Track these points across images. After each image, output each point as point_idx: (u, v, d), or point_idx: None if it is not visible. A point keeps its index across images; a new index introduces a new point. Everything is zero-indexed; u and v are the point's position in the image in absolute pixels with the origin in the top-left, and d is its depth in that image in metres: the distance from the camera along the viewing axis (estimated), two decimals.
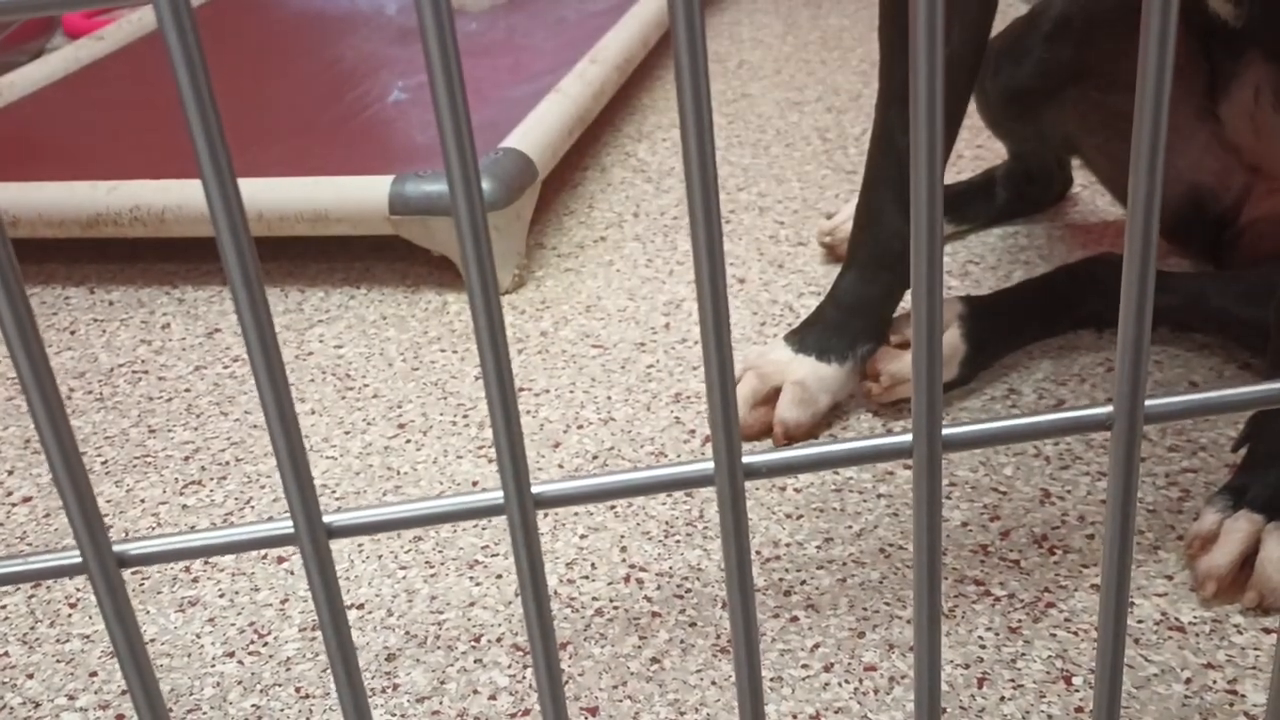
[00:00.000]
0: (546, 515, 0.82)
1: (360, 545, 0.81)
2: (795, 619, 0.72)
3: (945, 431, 0.31)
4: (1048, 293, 0.96)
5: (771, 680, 0.68)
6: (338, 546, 0.81)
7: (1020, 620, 0.70)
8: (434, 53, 0.27)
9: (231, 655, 0.73)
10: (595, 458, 0.88)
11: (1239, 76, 0.88)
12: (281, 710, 0.69)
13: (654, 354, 1.00)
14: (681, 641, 0.71)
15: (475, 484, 0.87)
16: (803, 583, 0.75)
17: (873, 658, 0.69)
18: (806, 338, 0.88)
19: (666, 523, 0.81)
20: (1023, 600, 0.71)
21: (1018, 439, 0.32)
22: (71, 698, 0.71)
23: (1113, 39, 0.95)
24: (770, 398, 0.87)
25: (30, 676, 0.73)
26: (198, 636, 0.75)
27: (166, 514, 0.87)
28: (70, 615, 0.78)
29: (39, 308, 1.19)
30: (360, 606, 0.76)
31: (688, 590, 0.75)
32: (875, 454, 0.32)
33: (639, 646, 0.71)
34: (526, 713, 0.67)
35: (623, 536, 0.80)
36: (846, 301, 0.89)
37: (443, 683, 0.70)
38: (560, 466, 0.88)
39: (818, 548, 0.77)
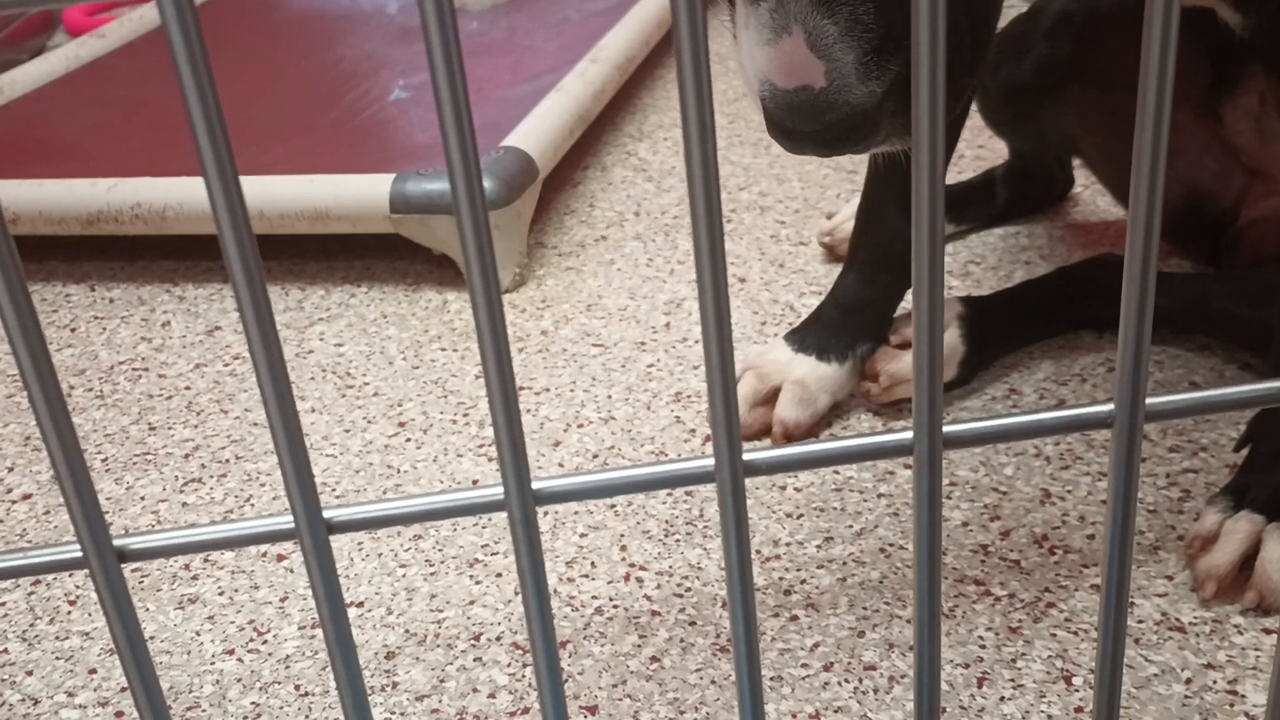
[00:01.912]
0: (546, 514, 0.82)
1: (360, 543, 0.81)
2: (795, 618, 0.72)
3: (945, 429, 0.31)
4: (1048, 293, 0.96)
5: (771, 679, 0.68)
6: (337, 544, 0.81)
7: (1020, 620, 0.70)
8: (436, 51, 0.27)
9: (231, 653, 0.73)
10: (595, 456, 0.88)
11: (1244, 80, 0.88)
12: (281, 708, 0.69)
13: (654, 353, 1.00)
14: (681, 640, 0.71)
15: (475, 482, 0.87)
16: (803, 582, 0.75)
17: (873, 657, 0.69)
18: (806, 337, 0.88)
19: (666, 521, 0.81)
20: (1023, 600, 0.71)
21: (1018, 437, 0.32)
22: (71, 694, 0.71)
23: (1114, 36, 0.95)
24: (770, 397, 0.87)
25: (30, 673, 0.73)
26: (197, 634, 0.75)
27: (166, 512, 0.87)
28: (70, 612, 0.78)
29: (39, 305, 1.19)
30: (360, 604, 0.76)
31: (687, 589, 0.75)
32: (876, 452, 0.32)
33: (639, 645, 0.71)
34: (526, 711, 0.67)
35: (623, 535, 0.80)
36: (847, 302, 0.89)
37: (442, 681, 0.70)
38: (560, 465, 0.88)
39: (818, 547, 0.77)
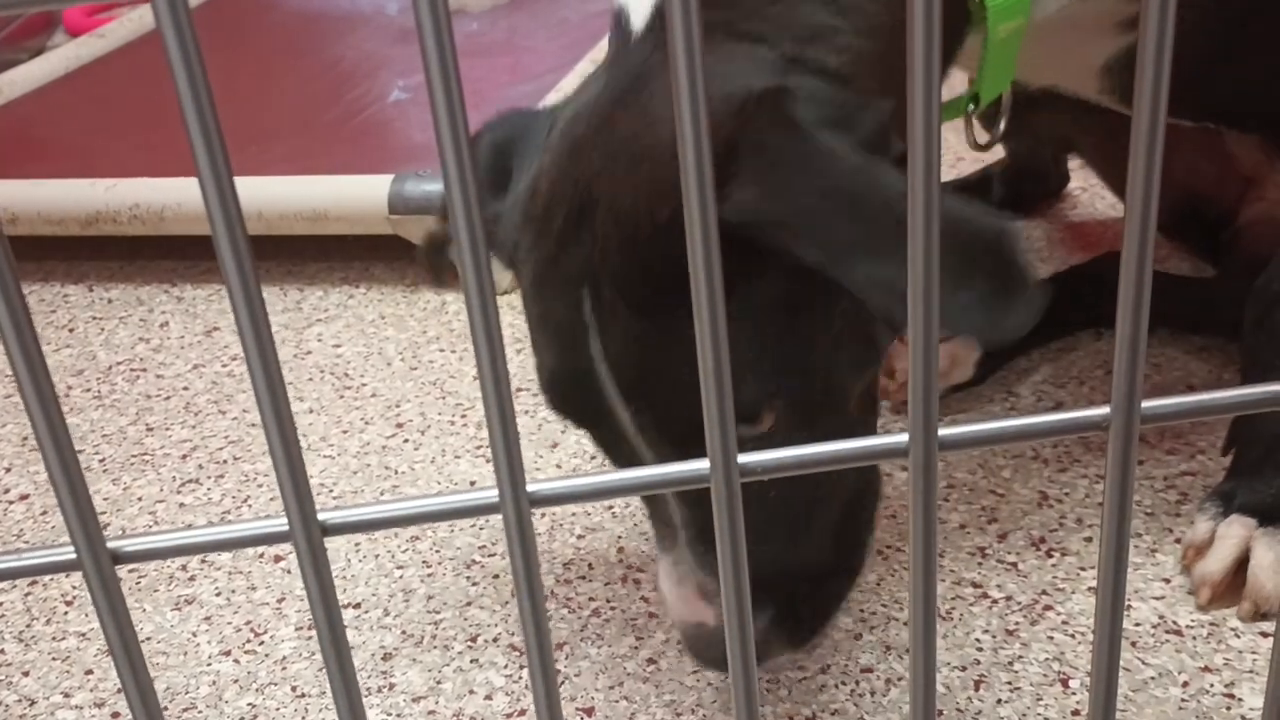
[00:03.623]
0: (544, 515, 0.82)
1: (357, 544, 0.81)
2: None
3: (942, 432, 0.31)
4: (1059, 292, 0.96)
5: (768, 681, 0.68)
6: (335, 546, 0.81)
7: (1017, 623, 0.70)
8: (431, 52, 0.27)
9: (227, 654, 0.73)
10: (593, 458, 0.88)
11: None
12: (277, 709, 0.69)
13: None
14: (678, 642, 0.71)
15: (473, 483, 0.87)
16: None
17: (869, 659, 0.68)
18: None
19: None
20: (1020, 603, 0.71)
21: (1014, 440, 0.32)
22: (67, 695, 0.71)
23: None
24: None
25: (26, 674, 0.73)
26: (194, 635, 0.75)
27: (164, 512, 0.87)
28: (66, 613, 0.78)
29: (38, 305, 1.19)
30: (357, 605, 0.76)
31: None
32: (872, 454, 0.32)
33: (635, 647, 0.71)
34: (522, 713, 0.67)
35: (620, 537, 0.80)
36: None
37: (439, 682, 0.70)
38: (558, 467, 0.88)
39: None
